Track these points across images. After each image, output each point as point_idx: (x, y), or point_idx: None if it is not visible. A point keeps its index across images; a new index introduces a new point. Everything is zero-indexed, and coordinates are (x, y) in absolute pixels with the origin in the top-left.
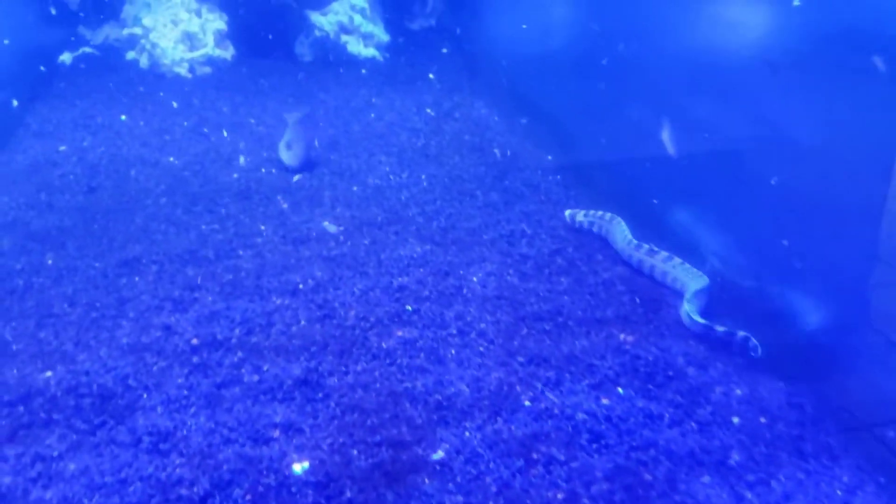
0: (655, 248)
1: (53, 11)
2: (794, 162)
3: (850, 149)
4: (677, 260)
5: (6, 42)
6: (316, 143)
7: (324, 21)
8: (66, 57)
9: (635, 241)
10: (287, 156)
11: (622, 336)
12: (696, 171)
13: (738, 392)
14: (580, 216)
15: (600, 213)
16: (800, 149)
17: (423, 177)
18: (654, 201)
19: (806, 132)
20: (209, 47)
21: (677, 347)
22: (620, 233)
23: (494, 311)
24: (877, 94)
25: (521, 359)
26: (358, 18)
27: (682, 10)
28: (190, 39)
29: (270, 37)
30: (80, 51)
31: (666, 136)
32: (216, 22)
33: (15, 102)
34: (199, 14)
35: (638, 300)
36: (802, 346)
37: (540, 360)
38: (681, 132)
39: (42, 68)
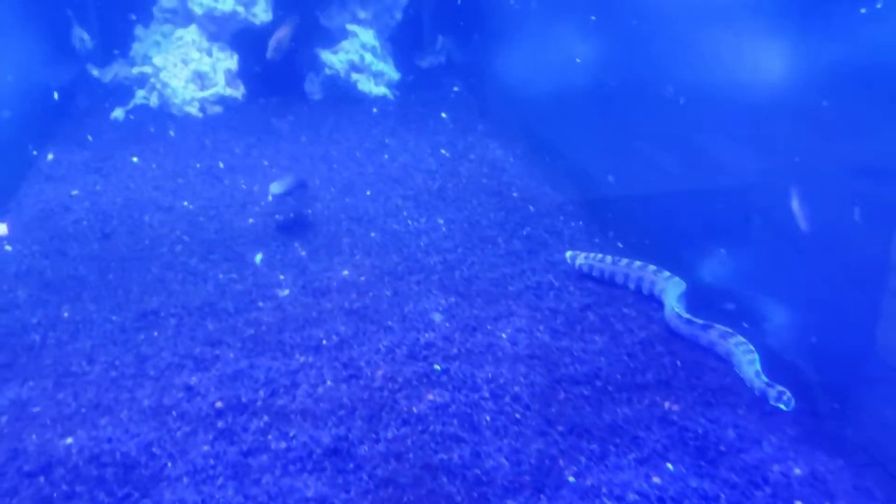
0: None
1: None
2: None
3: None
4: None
5: (9, 78)
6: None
7: (334, 59)
8: (118, 113)
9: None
10: (275, 186)
11: (667, 404)
12: (727, 214)
13: (797, 472)
14: (580, 259)
15: (600, 255)
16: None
17: (442, 222)
18: (687, 251)
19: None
20: (220, 86)
21: (727, 418)
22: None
23: (528, 372)
24: None
25: (560, 428)
26: (369, 57)
27: (700, 43)
28: (201, 79)
29: (281, 75)
30: (132, 104)
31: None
32: (227, 61)
33: (35, 152)
34: (210, 53)
35: (679, 363)
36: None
37: (581, 430)
38: (708, 173)
39: (55, 95)
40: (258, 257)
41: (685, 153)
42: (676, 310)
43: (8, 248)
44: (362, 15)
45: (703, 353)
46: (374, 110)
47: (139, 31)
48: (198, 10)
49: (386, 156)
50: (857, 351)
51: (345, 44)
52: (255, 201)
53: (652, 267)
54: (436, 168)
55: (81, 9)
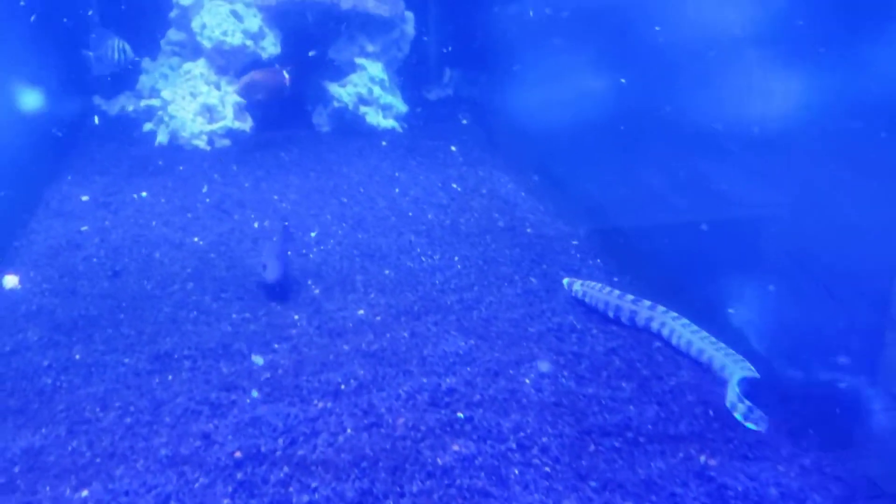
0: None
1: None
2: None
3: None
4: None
5: (15, 110)
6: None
7: (342, 92)
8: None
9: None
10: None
11: (703, 458)
12: (746, 246)
13: None
14: (577, 286)
15: (598, 285)
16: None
17: (457, 258)
18: (709, 290)
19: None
20: (228, 119)
21: (767, 474)
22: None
23: (555, 421)
24: None
25: (593, 483)
26: (377, 90)
27: (710, 77)
28: (209, 112)
29: (288, 109)
30: (139, 137)
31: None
32: (235, 94)
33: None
34: (218, 86)
35: (712, 413)
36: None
37: (615, 486)
38: (724, 207)
39: (56, 133)
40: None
41: (698, 186)
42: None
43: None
44: (370, 48)
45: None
46: (384, 143)
47: (146, 63)
48: (207, 44)
49: (397, 189)
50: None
51: (353, 77)
52: (266, 237)
53: (647, 302)
54: (447, 202)
55: (88, 40)
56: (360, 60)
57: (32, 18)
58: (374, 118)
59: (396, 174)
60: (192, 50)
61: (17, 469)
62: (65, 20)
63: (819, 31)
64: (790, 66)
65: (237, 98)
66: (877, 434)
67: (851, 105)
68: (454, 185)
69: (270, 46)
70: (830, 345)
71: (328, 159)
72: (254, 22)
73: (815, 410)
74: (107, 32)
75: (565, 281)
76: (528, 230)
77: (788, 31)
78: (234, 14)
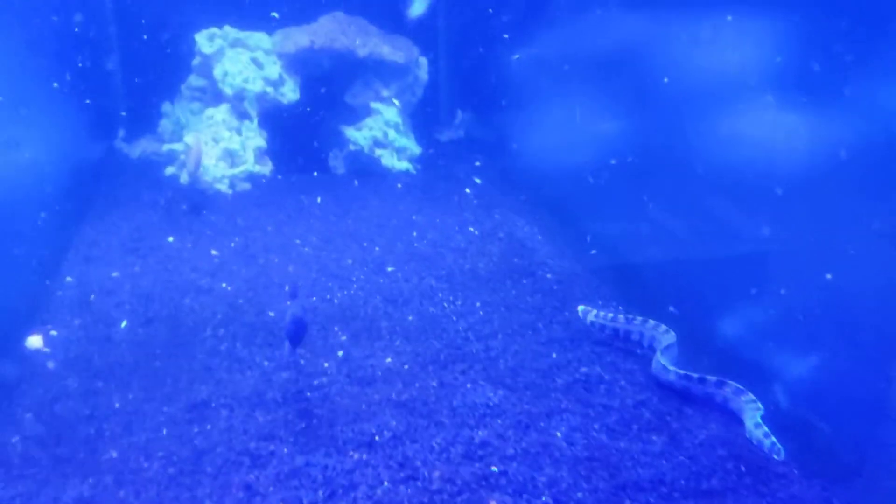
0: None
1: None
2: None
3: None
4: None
5: (41, 156)
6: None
7: (358, 136)
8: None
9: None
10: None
11: None
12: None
13: None
14: (591, 316)
15: (611, 314)
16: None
17: (478, 304)
18: (731, 327)
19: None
20: (249, 164)
21: None
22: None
23: (589, 476)
24: None
25: None
26: (392, 133)
27: (718, 116)
28: (231, 156)
29: (306, 152)
30: (162, 182)
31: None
32: (256, 139)
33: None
34: (239, 132)
35: (743, 468)
36: None
37: None
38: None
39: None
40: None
41: (718, 225)
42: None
43: (50, 364)
44: (385, 93)
45: (767, 459)
46: (399, 185)
47: (167, 107)
48: (228, 91)
49: (415, 233)
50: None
51: (368, 121)
52: (292, 282)
53: (652, 322)
54: (465, 246)
55: (110, 85)
56: (375, 105)
57: (67, 77)
58: (389, 160)
59: (413, 217)
60: (212, 96)
61: None
62: (85, 64)
63: (820, 73)
64: (794, 108)
65: (259, 142)
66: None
67: (855, 142)
68: (471, 229)
69: (290, 92)
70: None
71: (347, 202)
72: (274, 69)
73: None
74: None
75: (580, 309)
76: (548, 276)
77: (791, 75)
78: (255, 62)
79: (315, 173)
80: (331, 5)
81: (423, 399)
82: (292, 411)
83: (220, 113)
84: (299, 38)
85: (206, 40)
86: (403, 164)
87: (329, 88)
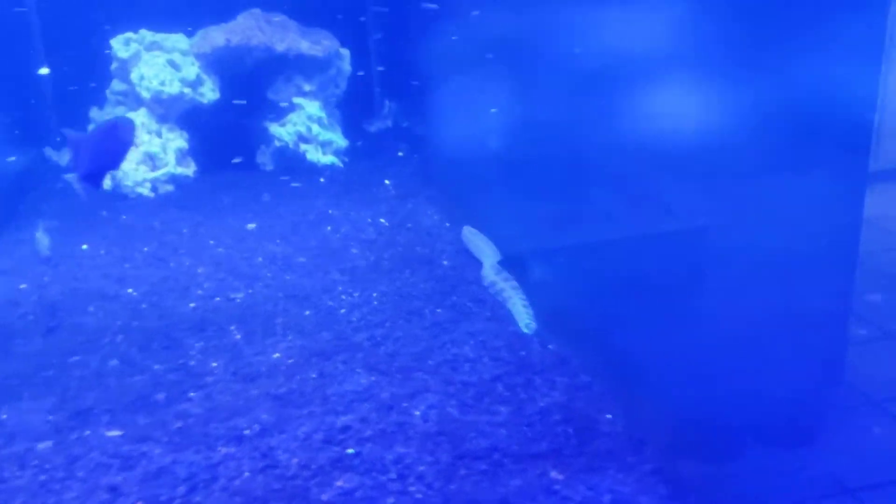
0: None
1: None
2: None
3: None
4: None
5: None
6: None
7: (282, 131)
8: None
9: None
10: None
11: (553, 473)
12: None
13: None
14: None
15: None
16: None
17: (375, 295)
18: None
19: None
20: (171, 166)
21: (606, 483)
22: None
23: (434, 449)
24: None
25: None
26: (315, 128)
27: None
28: (152, 160)
29: (232, 150)
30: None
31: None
32: (177, 140)
33: None
34: (159, 134)
35: (571, 430)
36: None
37: None
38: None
39: None
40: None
41: (615, 212)
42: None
43: None
44: (307, 87)
45: (595, 421)
46: (322, 180)
47: (94, 113)
48: (146, 94)
49: (329, 227)
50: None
51: (292, 116)
52: (199, 284)
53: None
54: (374, 238)
55: (38, 91)
56: (297, 100)
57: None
58: (315, 155)
59: (330, 212)
60: (133, 99)
61: None
62: (11, 72)
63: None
64: (709, 81)
65: (180, 144)
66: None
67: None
68: (382, 220)
69: (209, 92)
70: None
71: (266, 200)
72: (191, 70)
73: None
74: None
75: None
76: (445, 262)
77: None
78: (172, 63)
79: (240, 172)
80: (250, 3)
81: (300, 391)
82: (172, 412)
83: (139, 116)
84: (216, 37)
85: (121, 45)
86: (329, 158)
87: (252, 86)
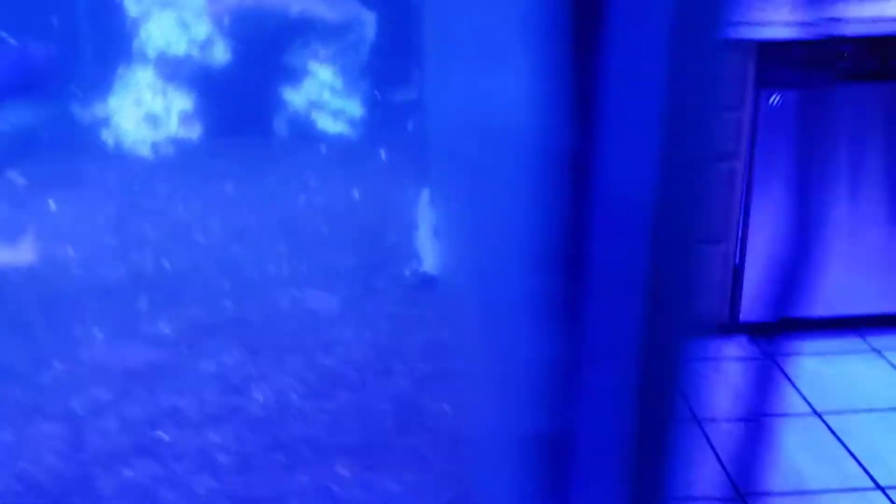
0: None
1: None
2: None
3: None
4: None
5: None
6: None
7: (296, 97)
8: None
9: None
10: None
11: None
12: None
13: None
14: None
15: None
16: None
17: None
18: None
19: None
20: (173, 127)
21: None
22: None
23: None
24: None
25: None
26: (327, 95)
27: None
28: (154, 121)
29: (243, 115)
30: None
31: None
32: (181, 101)
33: None
34: (164, 95)
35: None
36: None
37: None
38: None
39: None
40: None
41: None
42: None
43: None
44: (323, 53)
45: None
46: (323, 149)
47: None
48: (152, 53)
49: (302, 198)
50: None
51: (305, 82)
52: (140, 251)
53: None
54: (342, 212)
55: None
56: (312, 65)
57: None
58: (325, 123)
59: (310, 183)
60: (140, 59)
61: None
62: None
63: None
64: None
65: (184, 105)
66: None
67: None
68: (355, 193)
69: (220, 54)
70: None
71: (255, 168)
72: (202, 30)
73: None
74: None
75: None
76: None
77: None
78: (182, 22)
79: (247, 138)
80: None
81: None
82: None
83: (145, 75)
84: None
85: (133, 2)
86: (339, 127)
87: (265, 49)
